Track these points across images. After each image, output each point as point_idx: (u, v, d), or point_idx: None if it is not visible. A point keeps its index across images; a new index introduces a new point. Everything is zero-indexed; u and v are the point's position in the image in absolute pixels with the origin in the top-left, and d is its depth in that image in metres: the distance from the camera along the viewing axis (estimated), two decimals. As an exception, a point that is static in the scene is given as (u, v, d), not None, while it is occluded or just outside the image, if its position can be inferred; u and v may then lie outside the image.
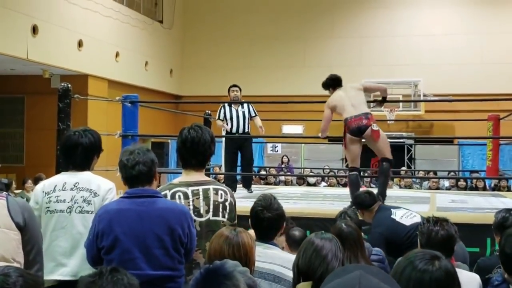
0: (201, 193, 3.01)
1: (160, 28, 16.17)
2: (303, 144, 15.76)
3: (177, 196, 2.98)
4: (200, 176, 3.09)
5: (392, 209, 4.60)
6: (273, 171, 12.87)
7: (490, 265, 3.38)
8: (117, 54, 13.81)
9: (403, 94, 15.00)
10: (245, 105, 7.80)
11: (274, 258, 2.84)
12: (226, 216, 3.05)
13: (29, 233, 2.67)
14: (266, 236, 2.96)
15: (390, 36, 16.15)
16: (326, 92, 6.12)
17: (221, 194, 3.06)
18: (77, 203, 3.14)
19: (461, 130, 14.68)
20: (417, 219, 4.38)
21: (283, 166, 14.31)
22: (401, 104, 14.88)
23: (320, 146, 15.35)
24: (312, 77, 16.02)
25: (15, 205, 2.64)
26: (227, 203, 3.07)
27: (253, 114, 7.82)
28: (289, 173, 13.67)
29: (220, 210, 3.03)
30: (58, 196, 3.16)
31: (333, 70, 15.42)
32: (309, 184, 12.18)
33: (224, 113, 7.74)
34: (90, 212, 3.12)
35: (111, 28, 13.56)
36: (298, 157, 15.88)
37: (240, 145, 7.76)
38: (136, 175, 2.79)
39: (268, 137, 13.79)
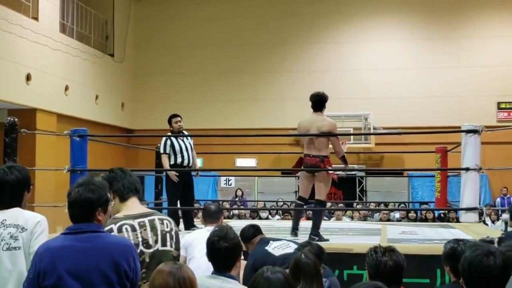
0: (147, 224, 2.99)
1: (111, 61, 16.06)
2: (256, 177, 15.78)
3: (124, 229, 2.93)
4: (141, 207, 3.09)
5: (270, 241, 4.54)
6: (227, 205, 12.79)
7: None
8: (66, 88, 13.61)
9: (353, 127, 15.27)
10: (188, 137, 7.29)
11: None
12: (173, 245, 3.04)
13: None
14: (223, 266, 2.94)
15: (340, 70, 16.49)
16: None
17: (167, 224, 3.07)
18: (4, 240, 3.06)
19: (410, 162, 15.01)
20: (290, 249, 4.34)
21: (236, 199, 14.25)
22: (352, 137, 15.11)
23: (273, 179, 15.41)
24: (264, 110, 16.18)
25: None
26: (173, 232, 3.07)
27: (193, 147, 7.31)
28: (242, 207, 13.60)
29: (168, 239, 3.02)
30: None
31: (285, 103, 15.94)
32: (261, 218, 12.12)
33: (172, 145, 7.07)
34: (17, 248, 3.04)
35: (60, 61, 13.38)
36: (252, 190, 15.87)
37: (187, 179, 7.19)
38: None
39: (222, 170, 13.75)
